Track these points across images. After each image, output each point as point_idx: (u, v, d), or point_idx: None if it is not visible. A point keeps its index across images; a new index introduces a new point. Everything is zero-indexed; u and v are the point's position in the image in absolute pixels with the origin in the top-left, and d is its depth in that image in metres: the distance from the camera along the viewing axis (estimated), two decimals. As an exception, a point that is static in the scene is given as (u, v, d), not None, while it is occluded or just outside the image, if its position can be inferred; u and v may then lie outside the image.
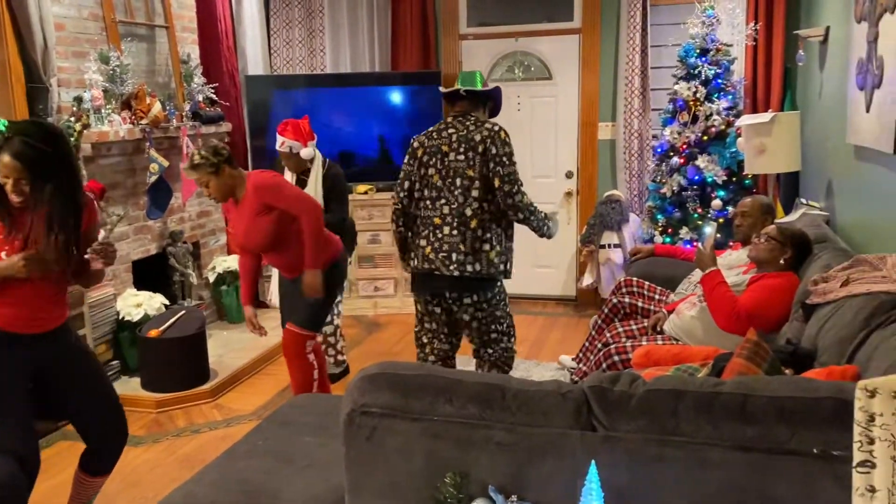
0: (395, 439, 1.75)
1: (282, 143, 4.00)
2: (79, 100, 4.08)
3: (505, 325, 3.36)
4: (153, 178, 4.50)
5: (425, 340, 3.42)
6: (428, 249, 3.18)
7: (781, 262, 3.06)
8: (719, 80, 4.95)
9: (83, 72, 4.20)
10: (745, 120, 4.58)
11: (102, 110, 4.17)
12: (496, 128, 3.17)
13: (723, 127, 4.92)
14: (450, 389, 1.74)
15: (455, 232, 3.13)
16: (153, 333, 4.10)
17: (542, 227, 3.28)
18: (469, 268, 3.12)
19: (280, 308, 3.89)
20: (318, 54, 6.18)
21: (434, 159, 3.20)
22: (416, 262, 3.25)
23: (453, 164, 3.15)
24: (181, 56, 4.99)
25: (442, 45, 6.02)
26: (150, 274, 4.72)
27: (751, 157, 4.50)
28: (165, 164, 4.49)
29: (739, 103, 5.09)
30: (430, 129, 3.28)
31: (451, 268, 3.13)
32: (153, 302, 4.35)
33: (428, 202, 3.21)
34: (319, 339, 3.87)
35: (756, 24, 5.05)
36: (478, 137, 3.13)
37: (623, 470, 1.63)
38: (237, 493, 2.05)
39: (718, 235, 4.54)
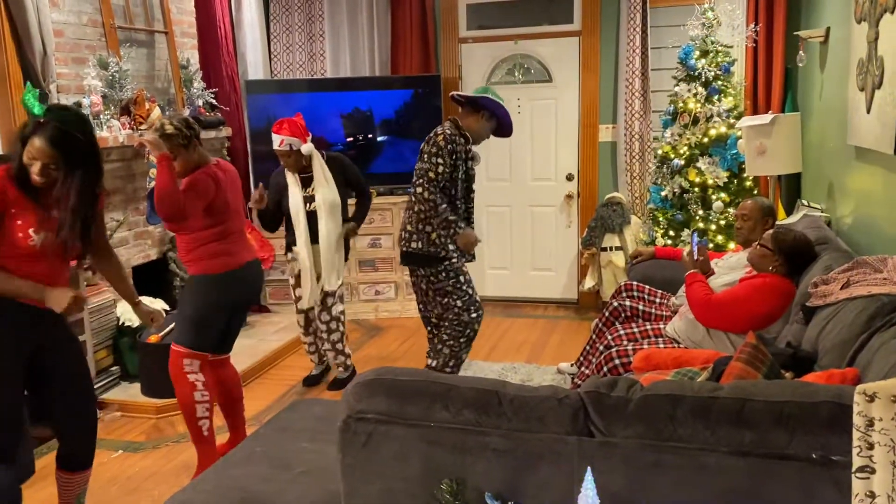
0: (392, 445, 1.74)
1: (280, 141, 3.99)
2: (78, 105, 4.08)
3: (457, 300, 3.78)
4: (153, 184, 4.48)
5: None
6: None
7: (770, 268, 3.09)
8: (720, 82, 4.93)
9: (82, 77, 4.20)
10: (746, 121, 4.57)
11: (101, 116, 4.17)
12: (439, 131, 3.70)
13: (723, 129, 4.90)
14: (446, 395, 1.73)
15: (405, 214, 3.85)
16: (153, 339, 4.10)
17: (440, 222, 3.68)
18: (413, 245, 3.74)
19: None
20: (318, 58, 6.18)
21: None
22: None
23: (418, 161, 3.74)
24: (181, 61, 4.99)
25: (442, 49, 6.02)
26: (150, 279, 4.72)
27: (752, 158, 4.49)
28: (165, 169, 4.48)
29: (740, 105, 5.07)
30: None
31: (402, 244, 3.81)
32: (154, 306, 4.33)
33: None
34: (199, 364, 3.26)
35: (756, 25, 5.04)
36: (426, 138, 3.72)
37: (620, 476, 1.61)
38: (234, 501, 2.04)
39: (702, 239, 4.55)
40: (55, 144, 2.30)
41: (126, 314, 4.26)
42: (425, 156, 3.67)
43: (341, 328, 4.29)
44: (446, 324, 3.84)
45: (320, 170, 4.09)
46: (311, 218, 4.11)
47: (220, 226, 3.12)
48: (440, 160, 3.63)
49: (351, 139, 5.83)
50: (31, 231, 2.37)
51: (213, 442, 3.20)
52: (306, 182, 4.12)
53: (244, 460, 2.28)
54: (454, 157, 3.67)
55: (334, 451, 1.83)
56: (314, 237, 4.14)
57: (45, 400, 2.59)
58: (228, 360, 3.44)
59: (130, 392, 4.20)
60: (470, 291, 3.81)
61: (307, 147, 4.01)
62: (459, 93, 3.71)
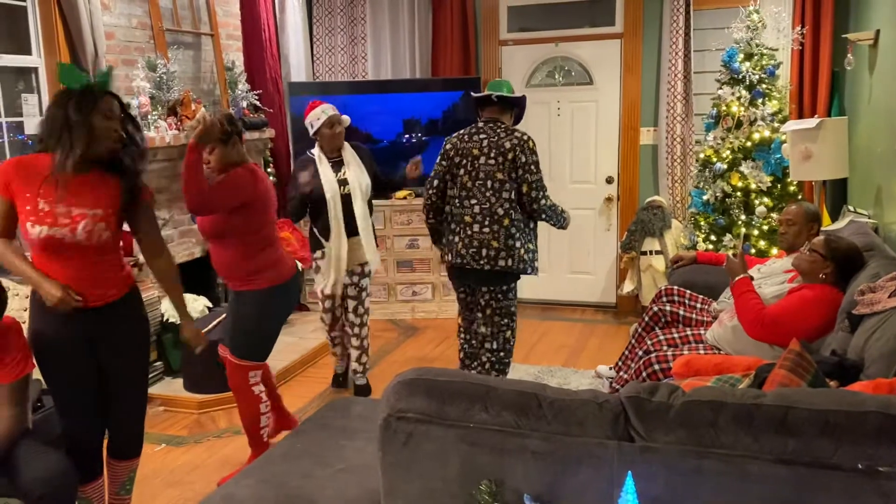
0: (431, 445, 1.76)
1: (318, 117, 3.93)
2: (127, 106, 4.17)
3: (512, 325, 3.64)
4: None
5: (460, 327, 3.83)
6: (460, 245, 3.44)
7: (821, 276, 3.01)
8: (764, 85, 4.86)
9: (131, 79, 4.31)
10: (791, 125, 4.49)
11: (149, 116, 4.27)
12: (525, 137, 3.41)
13: (768, 133, 4.83)
14: (485, 397, 1.74)
15: (486, 229, 3.39)
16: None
17: (559, 221, 3.58)
18: (502, 262, 3.39)
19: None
20: (359, 61, 6.24)
21: (465, 161, 3.44)
22: (450, 257, 3.57)
23: (483, 167, 3.39)
24: (226, 63, 5.08)
25: (482, 51, 6.03)
26: (194, 277, 4.80)
27: (796, 163, 4.41)
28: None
29: (785, 109, 4.99)
30: (461, 132, 3.53)
31: (482, 262, 3.40)
32: (197, 304, 4.43)
33: (457, 201, 3.47)
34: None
35: (803, 27, 4.95)
36: (507, 145, 3.38)
37: (660, 481, 1.61)
38: (275, 496, 2.08)
39: (746, 244, 4.49)
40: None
41: (170, 311, 4.35)
42: (532, 167, 3.39)
43: (368, 323, 4.29)
44: (492, 357, 3.60)
45: (350, 153, 4.06)
46: (345, 202, 4.00)
47: (267, 228, 3.11)
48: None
49: (395, 140, 5.88)
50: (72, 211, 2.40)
51: (268, 444, 3.25)
52: (337, 166, 4.04)
53: (285, 456, 2.32)
54: None
55: (373, 449, 1.85)
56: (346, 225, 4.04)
57: (105, 390, 2.63)
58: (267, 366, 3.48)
59: (173, 387, 4.28)
60: (516, 317, 3.69)
61: (346, 117, 4.00)
62: (495, 93, 3.50)
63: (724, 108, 4.90)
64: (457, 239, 3.47)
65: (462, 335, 3.83)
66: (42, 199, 2.32)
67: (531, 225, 3.52)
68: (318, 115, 3.98)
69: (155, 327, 4.38)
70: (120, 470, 2.75)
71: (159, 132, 4.30)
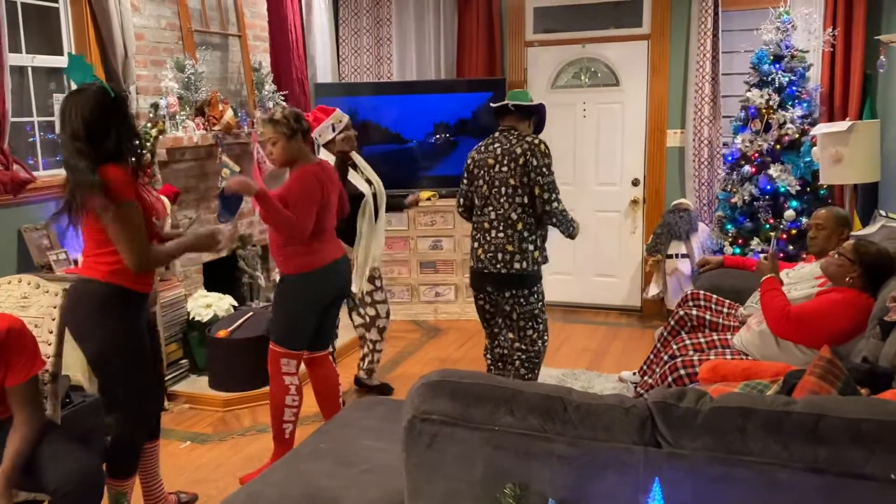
0: (456, 447, 1.75)
1: (340, 119, 3.96)
2: (155, 106, 4.23)
3: (538, 327, 3.63)
4: (224, 183, 4.62)
5: (486, 344, 3.84)
6: (480, 251, 3.57)
7: (848, 280, 2.97)
8: (794, 88, 4.80)
9: (160, 79, 4.36)
10: (821, 128, 4.43)
11: (177, 116, 4.31)
12: (536, 141, 3.49)
13: (797, 136, 4.77)
14: (510, 400, 1.73)
15: (501, 234, 3.50)
16: (222, 334, 4.21)
17: (568, 229, 3.61)
18: (517, 265, 3.48)
19: None
20: (385, 62, 6.25)
21: (482, 171, 3.56)
22: (472, 263, 3.65)
23: (498, 175, 3.50)
24: (253, 64, 5.12)
25: (507, 52, 6.02)
26: (219, 276, 4.86)
27: (826, 166, 4.36)
28: (237, 169, 4.61)
29: (815, 111, 4.93)
30: (480, 144, 3.66)
31: (499, 266, 3.50)
32: (222, 303, 4.47)
33: (478, 210, 3.59)
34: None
35: (834, 29, 4.88)
36: (519, 150, 3.47)
37: (687, 488, 1.59)
38: (299, 495, 2.09)
39: (779, 242, 4.43)
40: None
41: (195, 309, 4.39)
42: (544, 169, 3.44)
43: (380, 325, 4.27)
44: (521, 356, 3.62)
45: (359, 156, 4.08)
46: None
47: (315, 225, 3.16)
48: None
49: (424, 140, 5.89)
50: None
51: (291, 444, 3.25)
52: (344, 171, 4.00)
53: (310, 455, 2.33)
54: None
55: (397, 450, 1.85)
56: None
57: None
58: (326, 358, 3.50)
59: (199, 385, 4.32)
60: (545, 317, 3.69)
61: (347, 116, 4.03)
62: (511, 102, 3.56)
63: (762, 108, 4.80)
64: (477, 245, 3.59)
65: (487, 355, 3.85)
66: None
67: (542, 227, 3.59)
68: (340, 117, 3.99)
69: (181, 325, 4.42)
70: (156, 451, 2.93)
71: (187, 132, 4.34)
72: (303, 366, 3.42)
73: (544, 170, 3.45)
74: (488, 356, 3.84)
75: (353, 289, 4.08)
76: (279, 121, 3.14)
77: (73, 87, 2.78)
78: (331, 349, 3.69)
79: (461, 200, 3.73)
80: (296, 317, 3.24)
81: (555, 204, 3.48)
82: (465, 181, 3.68)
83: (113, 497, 2.73)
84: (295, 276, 3.20)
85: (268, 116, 3.19)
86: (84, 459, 2.36)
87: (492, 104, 3.73)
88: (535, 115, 3.66)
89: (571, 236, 3.67)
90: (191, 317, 4.41)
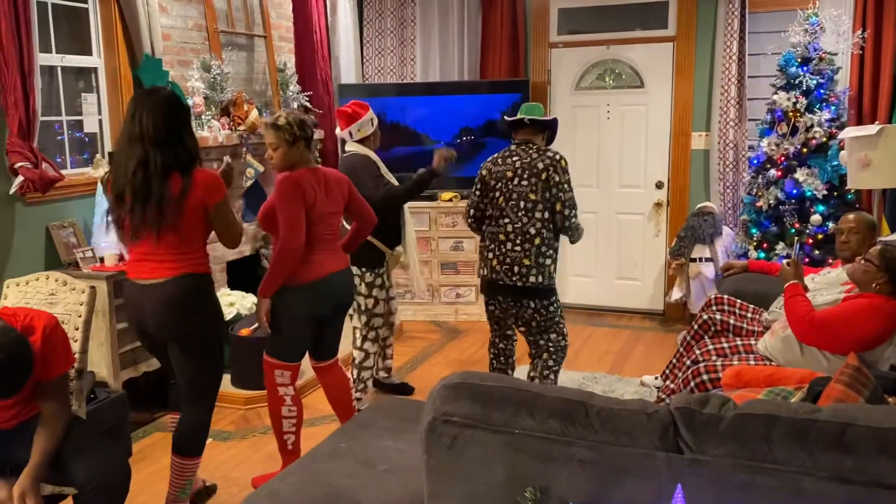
0: (476, 450, 1.75)
1: (372, 117, 3.90)
2: (182, 107, 4.27)
3: (563, 329, 3.71)
4: (249, 183, 4.67)
5: (490, 339, 3.90)
6: (494, 262, 3.59)
7: (875, 286, 2.93)
8: (822, 91, 4.74)
9: (186, 79, 4.40)
10: (850, 132, 4.37)
11: (203, 116, 4.35)
12: (557, 156, 3.53)
13: (824, 139, 4.71)
14: (531, 403, 1.73)
15: (518, 248, 3.52)
16: (244, 332, 4.24)
17: (578, 238, 3.67)
18: (532, 279, 3.52)
19: None
20: (408, 63, 6.27)
21: (499, 183, 3.57)
22: (484, 272, 3.67)
23: (517, 189, 3.53)
24: (278, 64, 5.15)
25: (531, 54, 6.00)
26: (243, 274, 4.89)
27: (854, 170, 4.29)
28: (261, 168, 4.64)
29: (843, 114, 4.86)
30: (496, 155, 3.68)
31: (514, 279, 3.53)
32: (245, 302, 4.50)
33: (493, 220, 3.62)
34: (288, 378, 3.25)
35: (864, 31, 4.81)
36: (541, 165, 3.50)
37: (710, 495, 1.57)
38: (319, 495, 2.09)
39: (801, 249, 4.38)
40: None
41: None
42: (565, 185, 3.49)
43: (367, 335, 4.11)
44: (550, 347, 3.70)
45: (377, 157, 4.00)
46: None
47: (307, 233, 3.05)
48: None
49: (451, 141, 5.89)
50: None
51: (297, 454, 3.22)
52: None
53: (329, 455, 2.34)
54: None
55: (416, 451, 1.85)
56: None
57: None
58: (335, 365, 3.44)
59: (221, 382, 4.34)
60: (564, 320, 3.75)
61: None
62: (527, 116, 3.58)
63: (789, 111, 4.75)
64: (491, 255, 3.61)
65: (491, 349, 3.90)
66: None
67: (558, 241, 3.63)
68: (372, 115, 3.92)
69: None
70: (184, 468, 2.98)
71: (212, 132, 4.38)
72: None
73: (566, 186, 3.50)
74: (492, 350, 3.90)
75: (421, 288, 4.15)
76: (282, 126, 3.06)
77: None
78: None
79: (472, 211, 3.72)
80: (289, 329, 3.14)
81: (574, 220, 3.54)
82: (477, 192, 3.68)
83: (186, 478, 2.95)
84: (288, 288, 3.07)
85: (271, 121, 3.11)
86: (110, 454, 2.39)
87: (507, 118, 3.77)
88: (548, 129, 3.71)
89: (575, 241, 3.72)
90: (215, 314, 4.43)
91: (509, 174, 3.54)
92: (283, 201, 3.02)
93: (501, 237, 3.56)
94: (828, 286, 3.39)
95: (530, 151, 3.56)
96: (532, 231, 3.50)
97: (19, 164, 3.48)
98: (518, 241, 3.52)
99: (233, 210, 2.85)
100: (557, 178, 3.47)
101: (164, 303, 2.72)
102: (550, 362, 3.73)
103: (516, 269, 3.52)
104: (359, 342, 4.01)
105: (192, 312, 2.78)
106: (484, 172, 3.66)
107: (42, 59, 3.66)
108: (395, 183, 3.92)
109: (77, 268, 3.75)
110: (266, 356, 3.22)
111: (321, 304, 3.17)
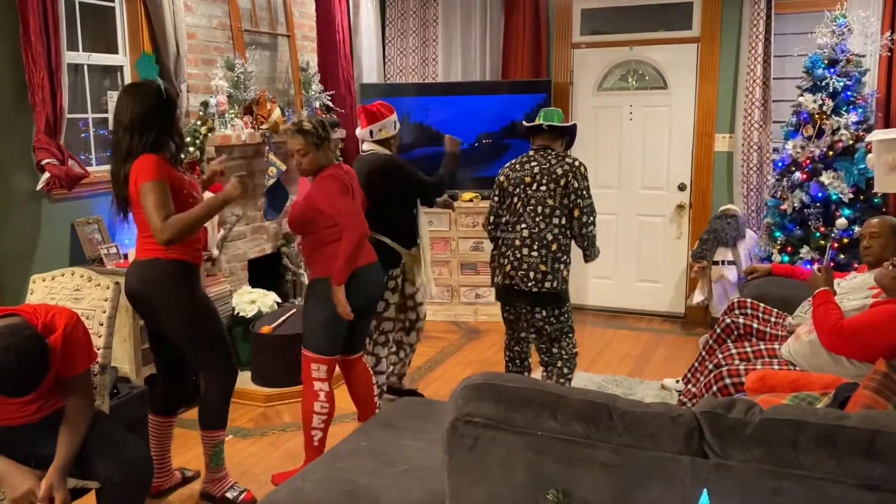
0: (498, 451, 1.74)
1: (396, 118, 3.88)
2: (205, 104, 4.30)
3: (565, 344, 3.71)
4: (271, 181, 4.69)
5: (506, 341, 3.90)
6: (508, 267, 3.59)
7: None
8: (849, 93, 4.68)
9: (210, 78, 4.43)
10: (877, 135, 4.30)
11: (226, 115, 4.38)
12: (576, 163, 3.53)
13: (851, 142, 4.65)
14: (554, 405, 1.72)
15: (535, 253, 3.51)
16: (265, 330, 4.26)
17: (593, 254, 3.67)
18: (547, 284, 3.50)
19: None
20: (430, 63, 6.27)
21: (518, 189, 3.59)
22: (499, 278, 3.68)
23: (534, 194, 3.53)
24: (300, 64, 5.17)
25: (553, 54, 5.98)
26: (264, 272, 4.92)
27: (881, 174, 4.22)
28: (283, 167, 4.66)
29: (870, 117, 4.80)
30: (514, 161, 3.69)
31: (530, 284, 3.51)
32: (266, 300, 4.52)
33: (509, 226, 3.62)
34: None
35: (892, 33, 4.75)
36: (560, 171, 3.50)
37: (734, 500, 1.56)
38: (340, 493, 2.10)
39: (833, 251, 4.33)
40: None
41: (240, 305, 4.45)
42: (584, 192, 3.50)
43: (378, 340, 4.06)
44: (564, 355, 3.71)
45: None
46: None
47: (338, 228, 3.12)
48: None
49: (474, 141, 5.88)
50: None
51: (321, 451, 3.22)
52: None
53: (351, 453, 2.34)
54: None
55: (437, 450, 1.85)
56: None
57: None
58: (360, 360, 3.47)
59: (241, 379, 4.29)
60: (573, 328, 3.76)
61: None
62: (546, 122, 3.58)
63: (815, 113, 4.69)
64: (505, 261, 3.61)
65: (507, 352, 3.91)
66: None
67: (571, 247, 3.63)
68: (396, 118, 3.90)
69: (225, 320, 4.47)
70: (210, 439, 3.15)
71: (235, 130, 4.40)
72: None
73: (585, 192, 3.50)
74: (507, 353, 3.91)
75: (432, 291, 4.18)
76: (309, 131, 3.12)
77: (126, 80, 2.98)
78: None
79: (492, 218, 3.73)
80: (325, 322, 3.18)
81: (591, 227, 3.54)
82: (495, 198, 3.69)
83: (213, 447, 3.09)
84: (323, 279, 3.14)
85: (297, 127, 3.14)
86: (134, 449, 2.41)
87: (525, 123, 3.77)
88: (567, 135, 3.71)
89: (589, 259, 3.70)
90: (235, 312, 4.46)
91: (527, 179, 3.55)
92: (335, 198, 3.10)
93: (517, 242, 3.56)
94: (854, 291, 3.34)
95: (549, 157, 3.57)
96: (549, 237, 3.50)
97: (46, 160, 3.52)
98: (535, 247, 3.51)
99: (163, 199, 2.69)
100: (577, 184, 3.48)
101: (131, 283, 2.89)
102: (565, 370, 3.74)
103: (532, 274, 3.51)
104: (370, 347, 3.92)
105: (157, 298, 2.86)
106: (502, 178, 3.66)
107: (69, 57, 3.71)
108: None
109: (101, 264, 3.79)
110: (304, 350, 3.25)
111: (357, 296, 3.18)
